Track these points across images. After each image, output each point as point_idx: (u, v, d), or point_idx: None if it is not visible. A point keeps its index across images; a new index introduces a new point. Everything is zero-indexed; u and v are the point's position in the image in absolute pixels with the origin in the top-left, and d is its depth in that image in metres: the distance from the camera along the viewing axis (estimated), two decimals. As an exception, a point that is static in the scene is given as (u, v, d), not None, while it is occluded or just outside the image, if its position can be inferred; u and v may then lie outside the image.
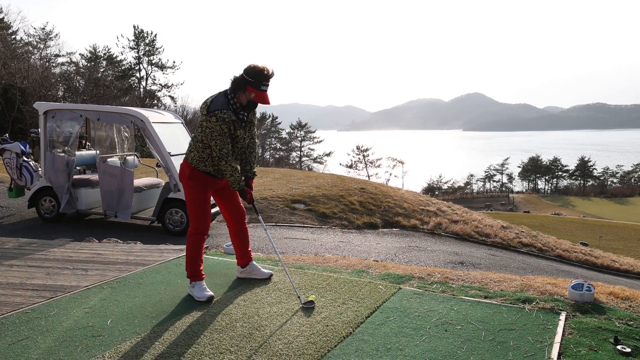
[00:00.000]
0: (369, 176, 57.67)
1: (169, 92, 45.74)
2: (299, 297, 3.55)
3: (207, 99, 3.51)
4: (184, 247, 5.49)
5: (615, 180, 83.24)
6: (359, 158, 62.63)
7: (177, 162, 7.07)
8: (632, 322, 3.08)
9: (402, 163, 59.53)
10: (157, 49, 46.10)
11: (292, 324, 3.13)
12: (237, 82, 3.46)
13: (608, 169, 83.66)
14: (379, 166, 61.42)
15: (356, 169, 61.55)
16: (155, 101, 44.92)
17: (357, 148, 62.77)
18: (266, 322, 3.17)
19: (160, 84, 46.29)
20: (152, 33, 46.24)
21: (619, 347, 2.74)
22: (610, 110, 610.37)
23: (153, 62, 45.95)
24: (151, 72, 46.18)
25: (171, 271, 4.42)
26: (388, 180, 57.24)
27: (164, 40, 55.02)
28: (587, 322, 3.08)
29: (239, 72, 3.50)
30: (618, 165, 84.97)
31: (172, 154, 7.26)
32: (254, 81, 3.40)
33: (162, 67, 46.02)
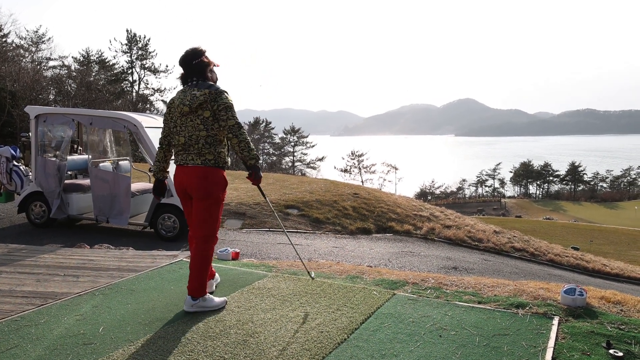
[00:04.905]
0: (362, 181, 57.74)
1: (162, 96, 45.59)
2: (308, 272, 4.07)
3: (200, 93, 3.35)
4: (176, 252, 5.48)
5: (605, 185, 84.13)
6: (354, 163, 62.76)
7: (169, 167, 7.02)
8: (623, 326, 3.11)
9: (396, 169, 59.72)
10: (150, 52, 46.02)
11: (286, 331, 3.11)
12: (207, 65, 3.50)
13: (598, 173, 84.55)
14: (373, 172, 61.57)
15: (351, 173, 61.66)
16: (148, 105, 44.80)
17: (352, 153, 62.89)
18: (260, 328, 3.15)
19: (153, 88, 46.15)
20: (145, 37, 46.20)
21: (611, 351, 2.76)
22: (599, 116, 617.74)
23: (146, 66, 45.84)
24: (144, 76, 46.02)
25: (164, 277, 4.38)
26: (382, 185, 57.34)
27: (157, 45, 54.91)
28: (579, 327, 3.10)
29: (195, 58, 3.49)
30: (608, 170, 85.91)
31: (164, 158, 7.22)
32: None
33: (155, 71, 45.90)
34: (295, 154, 66.06)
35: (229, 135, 3.36)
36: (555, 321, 3.20)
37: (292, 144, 66.41)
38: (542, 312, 3.36)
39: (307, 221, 9.99)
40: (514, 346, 2.85)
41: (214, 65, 3.59)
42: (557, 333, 3.01)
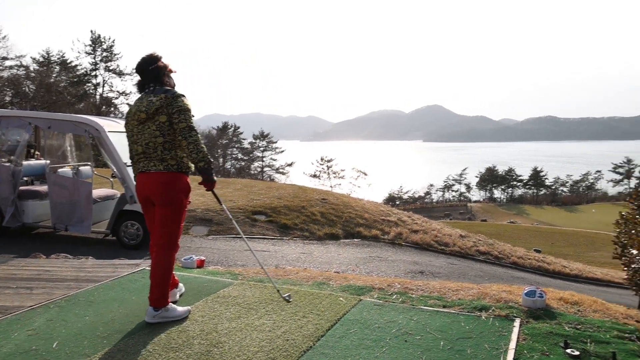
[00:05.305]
0: (331, 187, 57.84)
1: (127, 99, 44.64)
2: (278, 291, 3.79)
3: (156, 98, 3.31)
4: (139, 261, 5.34)
5: (565, 189, 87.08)
6: (323, 168, 62.82)
7: (133, 173, 6.86)
8: (580, 326, 3.22)
9: (365, 174, 60.06)
10: (115, 55, 45.07)
11: (251, 340, 3.05)
12: (163, 69, 3.44)
13: (559, 178, 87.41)
14: (342, 177, 61.77)
15: (320, 178, 61.69)
16: (113, 109, 43.78)
17: (322, 159, 62.96)
18: (225, 338, 3.08)
19: (118, 91, 45.20)
20: (110, 38, 45.21)
21: (568, 350, 2.84)
22: (560, 123, 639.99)
23: (111, 68, 44.84)
24: (108, 78, 45.03)
25: (125, 287, 4.24)
26: (352, 191, 57.53)
27: (123, 47, 53.67)
28: (539, 328, 3.18)
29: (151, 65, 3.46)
30: (568, 175, 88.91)
31: (128, 164, 7.04)
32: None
33: (120, 74, 44.93)
34: (264, 159, 65.68)
35: (179, 138, 3.28)
36: (517, 323, 3.27)
37: (261, 149, 66.01)
38: (504, 314, 3.43)
39: (274, 227, 9.92)
40: (477, 349, 2.89)
41: (171, 71, 3.55)
42: (518, 335, 3.08)
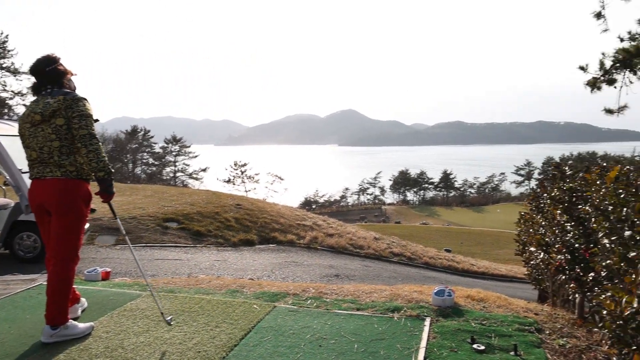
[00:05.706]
0: (246, 191, 57.17)
1: (24, 100, 40.94)
2: (162, 313, 3.44)
3: (53, 100, 3.10)
4: (35, 276, 4.91)
5: (473, 191, 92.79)
6: (237, 173, 61.88)
7: (28, 180, 6.30)
8: (485, 322, 3.42)
9: (281, 179, 60.05)
10: (9, 51, 41.14)
11: (160, 354, 2.92)
12: (63, 73, 3.26)
13: (467, 180, 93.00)
14: (257, 181, 61.30)
15: (234, 183, 60.70)
16: (7, 110, 39.92)
17: (235, 164, 62.01)
18: (131, 354, 2.92)
19: (12, 91, 41.23)
20: (2, 33, 41.25)
21: (474, 345, 3.01)
22: (467, 127, 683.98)
23: (4, 65, 40.88)
24: (1, 77, 41.02)
25: (18, 306, 3.88)
26: (269, 196, 57.27)
27: (19, 43, 49.33)
28: (448, 326, 3.34)
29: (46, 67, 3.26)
30: (475, 177, 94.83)
31: (23, 170, 6.46)
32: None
33: (15, 72, 41.08)
34: (177, 164, 63.39)
35: (78, 145, 3.10)
36: (427, 322, 3.41)
37: (174, 153, 63.63)
38: (415, 314, 3.57)
39: (187, 234, 9.59)
40: (390, 350, 2.98)
41: (71, 74, 3.34)
42: (428, 333, 3.21)
